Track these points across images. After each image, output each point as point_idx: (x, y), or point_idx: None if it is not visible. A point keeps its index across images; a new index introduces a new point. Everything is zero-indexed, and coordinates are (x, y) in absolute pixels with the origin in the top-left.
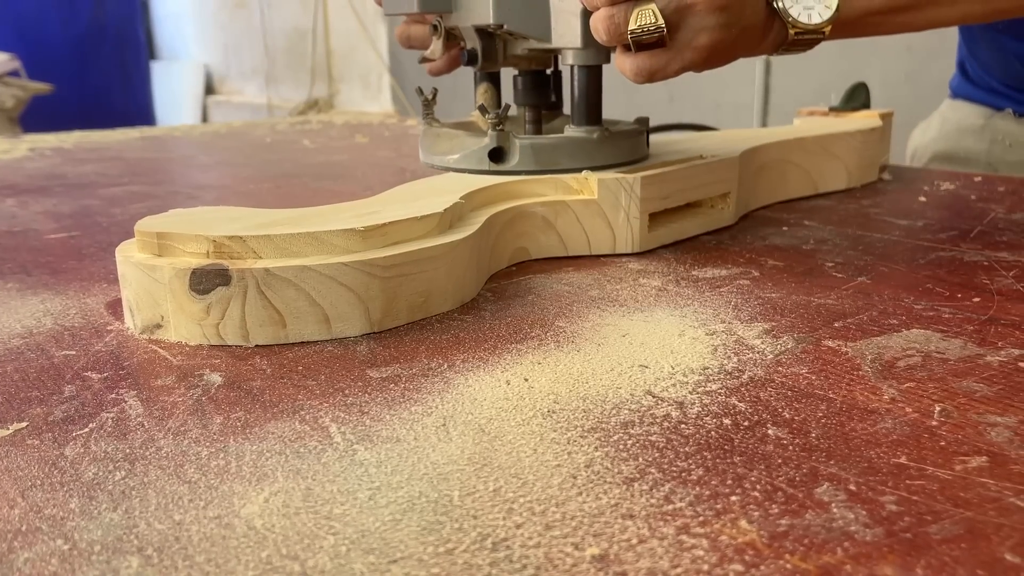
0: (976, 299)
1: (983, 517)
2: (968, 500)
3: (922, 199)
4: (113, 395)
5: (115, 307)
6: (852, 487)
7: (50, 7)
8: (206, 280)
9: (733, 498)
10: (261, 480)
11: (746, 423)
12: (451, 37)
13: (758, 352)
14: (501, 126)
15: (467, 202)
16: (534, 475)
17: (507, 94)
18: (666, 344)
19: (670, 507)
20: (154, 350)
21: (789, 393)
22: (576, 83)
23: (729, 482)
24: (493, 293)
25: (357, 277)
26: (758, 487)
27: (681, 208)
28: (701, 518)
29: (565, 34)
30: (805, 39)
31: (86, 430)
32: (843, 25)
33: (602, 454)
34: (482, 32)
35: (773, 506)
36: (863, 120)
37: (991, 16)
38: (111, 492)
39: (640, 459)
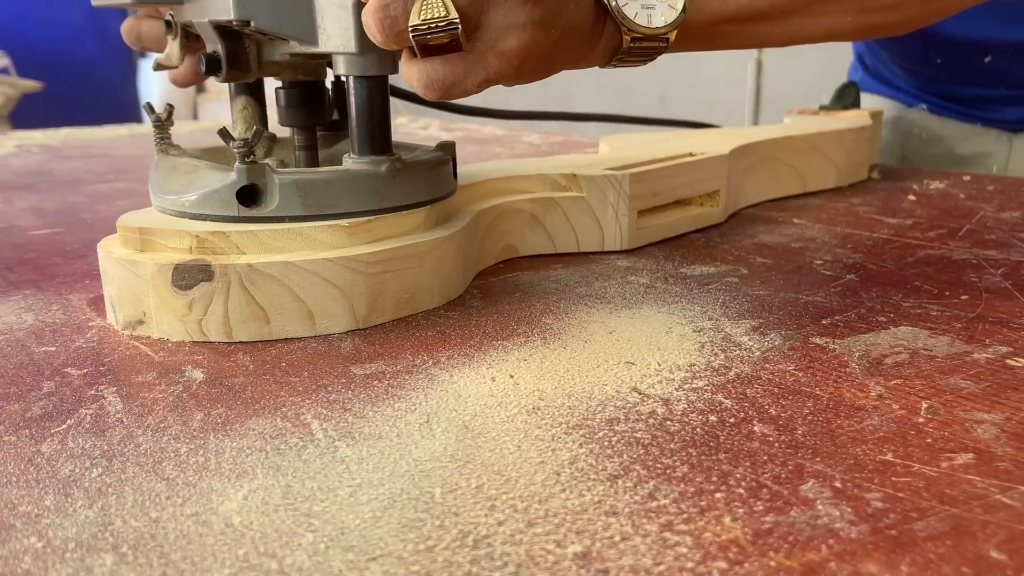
0: (964, 297)
1: (969, 514)
2: (954, 497)
3: (911, 198)
4: (93, 391)
5: (98, 303)
6: (838, 484)
7: (40, 4)
8: (189, 276)
9: (718, 495)
10: (240, 477)
11: (732, 420)
12: (193, 37)
13: (745, 349)
14: (251, 157)
15: (454, 198)
16: (517, 472)
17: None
18: (653, 341)
19: (654, 504)
20: (136, 346)
21: (776, 390)
22: (354, 99)
23: (714, 479)
24: (480, 290)
25: (342, 273)
26: (743, 484)
27: (670, 205)
28: (685, 515)
29: (335, 35)
30: (643, 47)
31: (64, 427)
32: (690, 32)
33: (586, 451)
34: (224, 31)
35: (758, 503)
36: (853, 119)
37: (863, 32)
38: (87, 489)
39: (625, 456)
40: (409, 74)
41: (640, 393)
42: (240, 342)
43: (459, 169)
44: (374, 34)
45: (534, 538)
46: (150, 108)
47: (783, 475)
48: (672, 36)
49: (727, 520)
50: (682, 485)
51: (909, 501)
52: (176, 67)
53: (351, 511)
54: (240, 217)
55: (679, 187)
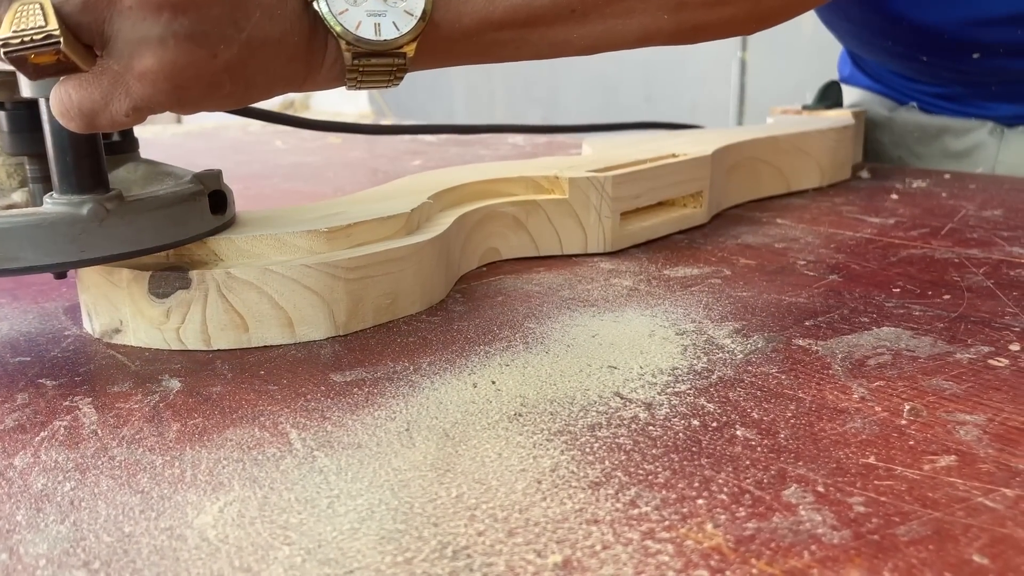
0: (946, 296)
1: (951, 518)
2: (936, 500)
3: (894, 197)
4: (67, 402)
5: (74, 312)
6: (820, 488)
7: None
8: (165, 283)
9: (700, 501)
10: (217, 489)
11: (714, 424)
12: None
13: (728, 352)
14: None
15: (436, 202)
16: (498, 480)
17: None
18: (636, 344)
19: (635, 511)
20: (112, 355)
21: (758, 393)
22: (48, 126)
23: (696, 485)
24: (462, 294)
25: (321, 279)
26: (725, 490)
27: (653, 207)
28: (667, 522)
29: None
30: (372, 65)
31: (37, 439)
32: (450, 43)
33: (568, 458)
34: None
35: (740, 509)
36: (836, 118)
37: (686, 34)
38: (59, 503)
39: (607, 462)
40: (51, 99)
41: (622, 398)
42: (219, 350)
43: (443, 171)
44: None
45: (514, 548)
46: None
47: (765, 480)
48: (410, 50)
49: (709, 527)
50: (664, 491)
51: (891, 505)
52: None
53: (329, 523)
54: None
55: (662, 188)
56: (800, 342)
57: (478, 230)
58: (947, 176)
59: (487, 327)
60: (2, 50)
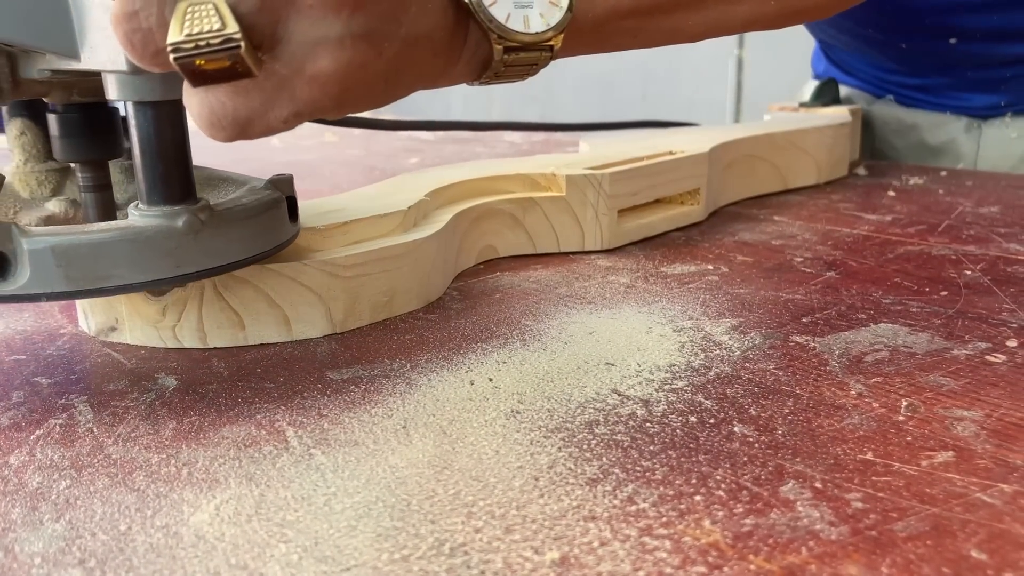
0: (943, 293)
1: (949, 513)
2: (934, 496)
3: (891, 194)
4: (63, 400)
5: (70, 310)
6: (818, 484)
7: None
8: None
9: (697, 498)
10: (213, 487)
11: (712, 421)
12: None
13: (725, 348)
14: None
15: (433, 199)
16: (495, 477)
17: None
18: (633, 341)
19: (633, 508)
20: (108, 354)
21: (756, 390)
22: (136, 132)
23: (693, 481)
24: (460, 292)
25: (317, 277)
26: (723, 486)
27: (650, 204)
28: (664, 519)
29: (100, 47)
30: (520, 59)
31: (32, 437)
32: (580, 34)
33: (565, 455)
34: None
35: (738, 505)
36: (833, 116)
37: (787, 18)
38: (55, 502)
39: (604, 459)
40: (189, 106)
41: (620, 395)
42: (215, 348)
43: (440, 169)
44: (127, 52)
45: (511, 545)
46: None
47: (763, 476)
48: (557, 42)
49: (707, 523)
50: (661, 488)
51: (889, 501)
52: None
53: (326, 520)
54: None
55: (659, 186)
56: (797, 339)
57: (475, 227)
58: (943, 173)
59: (484, 324)
60: (172, 55)
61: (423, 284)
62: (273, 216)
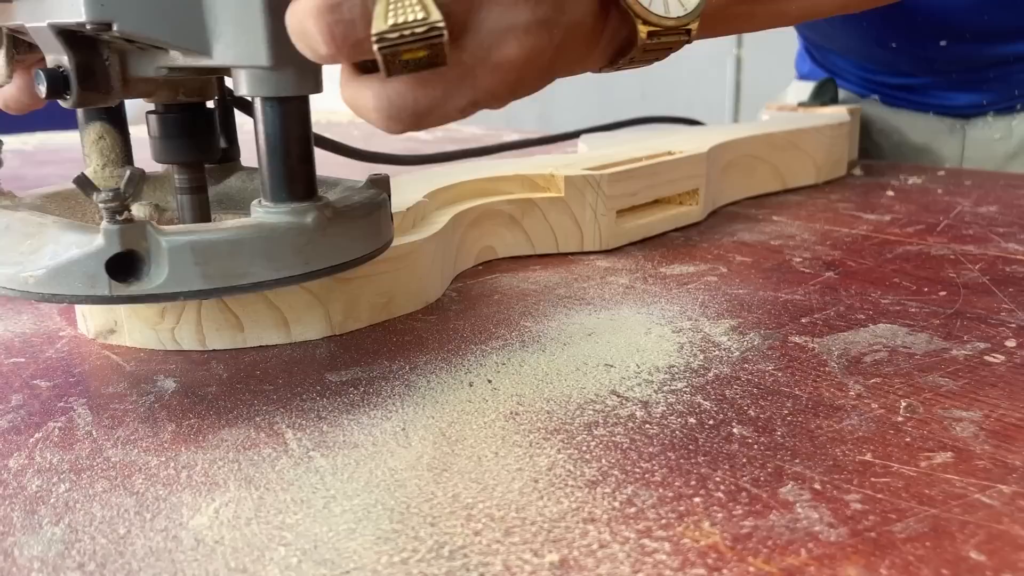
0: (942, 293)
1: (948, 514)
2: (933, 497)
3: (890, 193)
4: (62, 403)
5: (69, 313)
6: (817, 486)
7: None
8: None
9: (696, 499)
10: (212, 490)
11: (711, 422)
12: (24, 47)
13: (724, 349)
14: (125, 213)
15: (431, 201)
16: (494, 480)
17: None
18: (632, 342)
19: (632, 510)
20: (107, 356)
21: (755, 391)
22: (264, 129)
23: (693, 483)
24: (458, 293)
25: None
26: (722, 488)
27: (649, 205)
28: (664, 521)
29: (237, 42)
30: (660, 44)
31: (32, 440)
32: (704, 19)
33: (565, 456)
34: (73, 38)
35: (737, 507)
36: (831, 115)
37: (872, 0)
38: (54, 505)
39: (603, 461)
40: (359, 99)
41: (619, 396)
42: (214, 350)
43: (438, 170)
44: (315, 44)
45: (511, 547)
46: None
47: (762, 478)
48: (695, 27)
49: (706, 525)
50: (661, 490)
51: (888, 502)
52: (1, 85)
53: (325, 523)
54: (112, 298)
55: (658, 186)
56: (796, 339)
57: (474, 228)
58: (941, 173)
59: (483, 326)
60: (376, 45)
61: (422, 286)
62: (383, 214)
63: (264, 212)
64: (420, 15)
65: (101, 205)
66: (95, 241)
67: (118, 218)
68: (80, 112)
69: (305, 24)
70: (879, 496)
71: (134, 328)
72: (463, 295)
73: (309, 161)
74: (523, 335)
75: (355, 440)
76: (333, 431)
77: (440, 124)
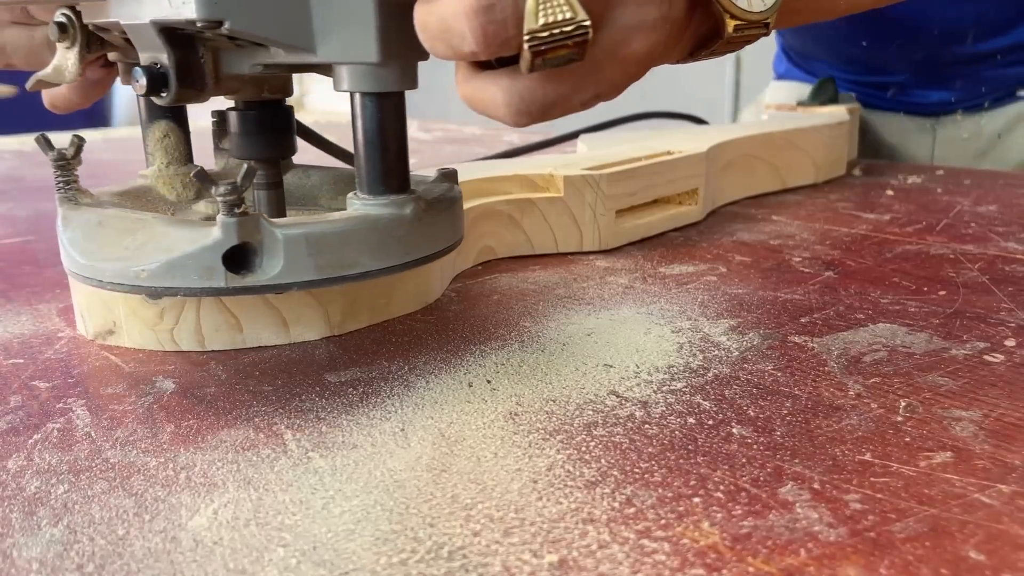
0: (942, 292)
1: (947, 514)
2: (932, 497)
3: (889, 193)
4: (60, 404)
5: (68, 313)
6: (816, 486)
7: None
8: None
9: (696, 499)
10: (211, 490)
11: (710, 422)
12: (95, 44)
13: (724, 349)
14: (242, 207)
15: None
16: (494, 480)
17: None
18: (632, 342)
19: (631, 510)
20: (106, 357)
21: (754, 391)
22: (363, 124)
23: (692, 483)
24: (458, 293)
25: None
26: (721, 488)
27: (649, 204)
28: (663, 521)
29: (346, 40)
30: (744, 36)
31: (30, 441)
32: (783, 12)
33: (564, 457)
34: (173, 36)
35: (736, 507)
36: (830, 115)
37: None
38: (53, 506)
39: (602, 461)
40: (484, 94)
41: (618, 396)
42: (213, 351)
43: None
44: (461, 43)
45: (510, 548)
46: (46, 142)
47: (762, 478)
48: (773, 19)
49: (705, 525)
50: (660, 490)
51: (888, 502)
52: (68, 83)
53: (324, 524)
54: (227, 289)
55: (657, 186)
56: (796, 339)
57: (473, 228)
58: (941, 172)
59: (482, 326)
60: (528, 43)
61: (421, 286)
62: (460, 207)
63: (362, 204)
64: (568, 15)
65: (219, 199)
66: (212, 234)
67: (236, 211)
68: (143, 112)
69: (454, 23)
70: (879, 496)
71: (133, 329)
72: (462, 295)
73: (405, 155)
74: (522, 335)
75: (354, 441)
76: (332, 432)
77: (562, 116)
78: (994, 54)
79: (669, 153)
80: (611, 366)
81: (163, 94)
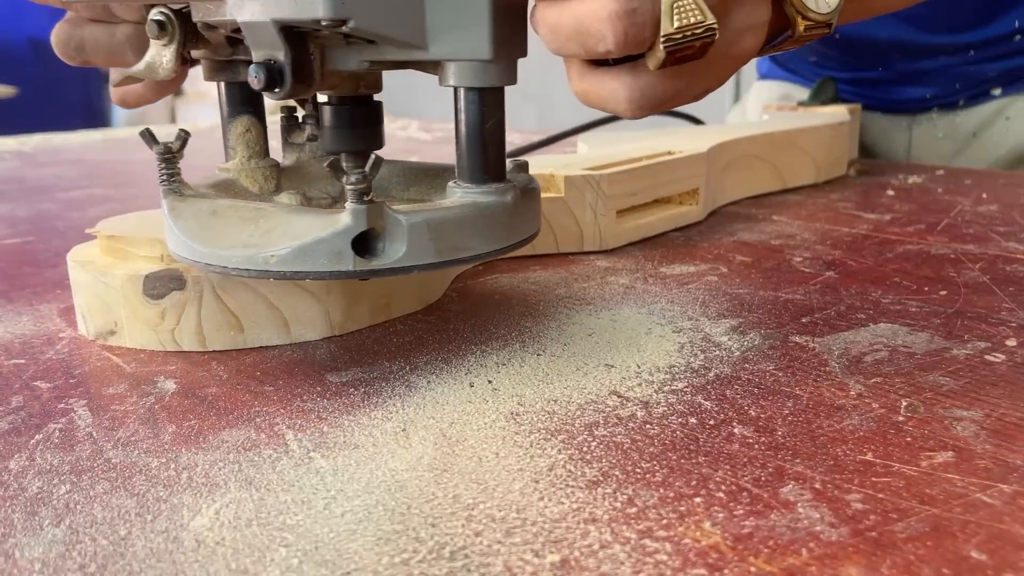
0: (943, 292)
1: (949, 514)
2: (934, 497)
3: (890, 192)
4: (62, 405)
5: (69, 314)
6: (818, 486)
7: (11, 7)
8: (160, 285)
9: (697, 499)
10: (213, 491)
11: (712, 422)
12: (192, 41)
13: (725, 349)
14: (370, 195)
15: None
16: (495, 480)
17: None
18: (633, 342)
19: (633, 510)
20: (107, 357)
21: (755, 391)
22: (467, 117)
23: (694, 483)
24: (458, 293)
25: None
26: (723, 488)
27: (649, 204)
28: (665, 521)
29: (460, 38)
30: (808, 37)
31: (32, 442)
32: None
33: (565, 457)
34: (292, 34)
35: (738, 507)
36: (831, 114)
37: None
38: (55, 506)
39: (604, 461)
40: (603, 89)
41: (620, 396)
42: (214, 351)
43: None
44: (598, 44)
45: (512, 548)
46: (151, 136)
47: (763, 477)
48: (835, 20)
49: (707, 525)
50: (661, 490)
51: (889, 502)
52: (160, 79)
53: (326, 524)
54: (355, 272)
55: (658, 186)
56: (797, 339)
57: None
58: (941, 172)
59: (483, 326)
60: (664, 45)
61: (422, 286)
62: (538, 199)
63: (465, 192)
64: (699, 17)
65: (349, 187)
66: (341, 222)
67: (364, 199)
68: (224, 107)
69: (595, 25)
70: (880, 496)
71: (134, 329)
72: (463, 295)
73: (503, 146)
74: (523, 335)
75: (356, 441)
76: (333, 432)
77: (675, 107)
78: (967, 48)
79: (670, 153)
80: (612, 366)
81: (277, 90)
